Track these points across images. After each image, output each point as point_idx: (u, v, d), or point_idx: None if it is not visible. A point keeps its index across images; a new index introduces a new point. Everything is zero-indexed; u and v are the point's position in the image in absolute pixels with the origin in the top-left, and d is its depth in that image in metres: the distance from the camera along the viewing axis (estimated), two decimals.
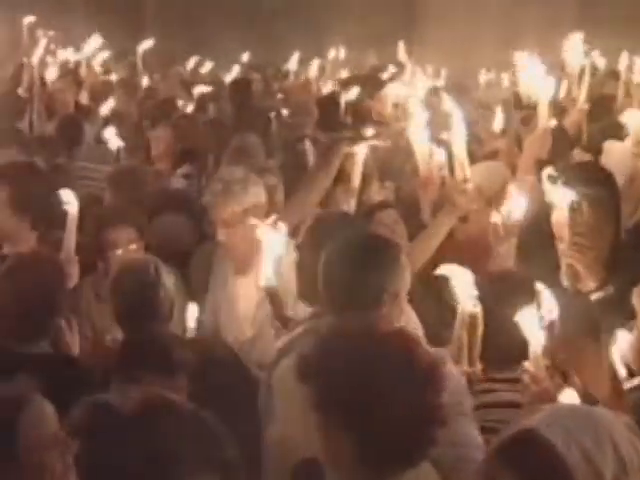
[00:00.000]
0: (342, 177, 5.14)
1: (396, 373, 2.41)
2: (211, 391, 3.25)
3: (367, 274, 3.14)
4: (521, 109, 7.10)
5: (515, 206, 4.28)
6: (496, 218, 4.35)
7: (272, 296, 3.89)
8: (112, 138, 6.14)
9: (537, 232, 4.18)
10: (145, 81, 9.90)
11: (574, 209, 3.72)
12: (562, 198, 3.74)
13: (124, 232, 4.62)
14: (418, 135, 5.19)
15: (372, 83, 9.11)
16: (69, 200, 4.11)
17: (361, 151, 5.09)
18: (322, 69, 10.96)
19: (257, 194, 4.57)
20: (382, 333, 2.51)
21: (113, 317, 4.04)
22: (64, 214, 4.27)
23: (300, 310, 3.83)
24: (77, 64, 10.21)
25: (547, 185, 3.79)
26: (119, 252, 4.57)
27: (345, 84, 9.73)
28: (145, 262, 4.10)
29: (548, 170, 3.94)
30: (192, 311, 3.97)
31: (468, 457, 2.90)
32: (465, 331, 3.45)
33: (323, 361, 2.45)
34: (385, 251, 3.23)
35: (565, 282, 3.79)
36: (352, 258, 3.18)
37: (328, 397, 2.43)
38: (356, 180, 5.14)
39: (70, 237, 4.10)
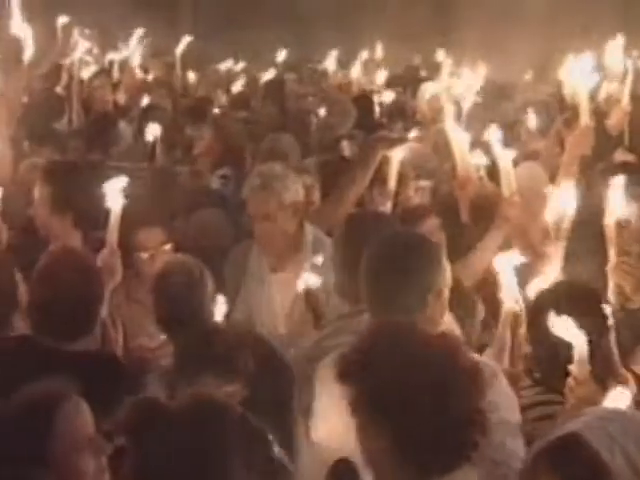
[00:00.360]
0: (379, 178, 5.11)
1: (439, 375, 2.36)
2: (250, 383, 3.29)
3: (412, 275, 3.09)
4: (564, 111, 7.00)
5: (565, 206, 4.20)
6: (548, 218, 4.30)
7: (309, 297, 3.87)
8: (150, 132, 6.11)
9: (586, 234, 4.12)
10: (182, 80, 9.90)
11: (621, 225, 3.67)
12: (616, 201, 3.68)
13: (153, 234, 4.62)
14: (457, 135, 5.14)
15: (413, 82, 9.05)
16: (113, 197, 4.08)
17: (397, 154, 5.04)
18: (360, 68, 10.92)
19: (296, 191, 4.55)
20: (425, 335, 2.46)
21: (155, 317, 4.01)
22: (108, 212, 4.22)
23: (335, 307, 3.81)
24: (111, 63, 10.21)
25: (598, 186, 3.72)
26: (147, 254, 4.57)
27: (387, 84, 9.69)
28: (189, 262, 4.07)
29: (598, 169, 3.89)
30: (220, 306, 3.95)
31: (512, 477, 2.82)
32: (508, 331, 3.38)
33: (365, 361, 2.40)
34: (428, 250, 3.19)
35: (613, 300, 3.74)
36: (396, 259, 3.14)
37: (368, 397, 2.38)
38: (392, 182, 5.08)
39: (113, 233, 4.07)
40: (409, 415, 2.33)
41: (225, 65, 11.37)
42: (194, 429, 2.15)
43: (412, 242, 3.26)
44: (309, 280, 3.86)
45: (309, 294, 3.87)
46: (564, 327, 3.00)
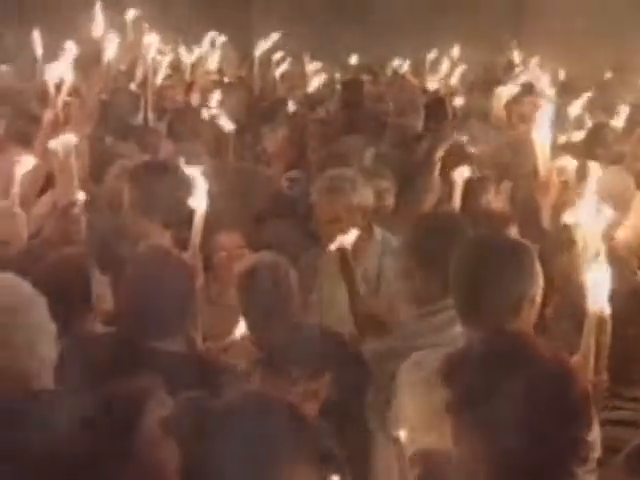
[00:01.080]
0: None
1: (551, 396, 2.27)
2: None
3: (507, 280, 3.04)
4: None
5: None
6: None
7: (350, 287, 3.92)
8: (225, 123, 6.11)
9: None
10: (259, 80, 9.90)
11: None
12: None
13: (232, 237, 4.69)
14: (540, 137, 5.06)
15: (490, 84, 8.95)
16: (198, 197, 4.07)
17: (459, 176, 5.04)
18: (434, 69, 10.87)
19: (364, 195, 4.54)
20: (543, 352, 2.37)
21: (242, 312, 4.03)
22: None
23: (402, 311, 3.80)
24: (183, 65, 10.24)
25: None
26: (225, 255, 4.62)
27: (464, 86, 9.63)
28: (275, 259, 4.11)
29: None
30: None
31: None
32: (593, 338, 3.28)
33: (474, 366, 2.33)
34: (522, 255, 3.12)
35: None
36: (490, 264, 3.08)
37: (470, 403, 2.30)
38: (456, 201, 5.06)
39: (197, 234, 4.07)
40: (510, 431, 2.26)
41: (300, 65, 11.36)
42: (242, 428, 2.11)
43: (507, 246, 3.21)
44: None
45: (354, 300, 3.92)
46: None
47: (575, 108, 7.13)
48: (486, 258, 3.09)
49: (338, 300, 4.38)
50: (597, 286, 3.22)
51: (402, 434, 2.81)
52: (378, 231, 4.60)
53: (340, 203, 4.45)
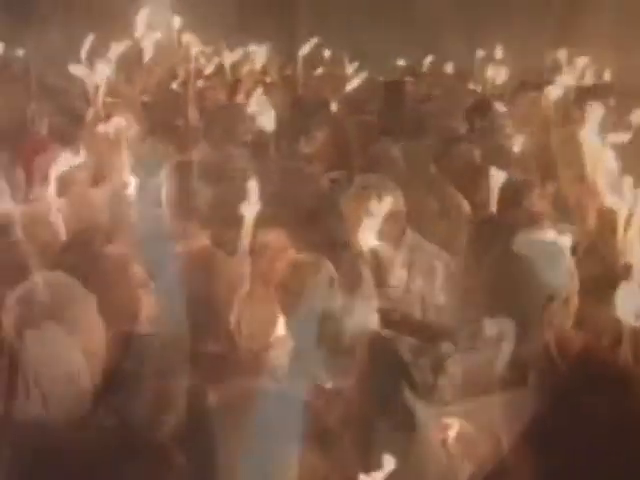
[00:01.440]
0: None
1: (609, 402, 2.21)
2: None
3: (532, 281, 3.04)
4: None
5: None
6: None
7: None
8: (267, 123, 6.11)
9: None
10: (302, 79, 9.90)
11: None
12: None
13: (277, 237, 4.65)
14: (588, 138, 5.01)
15: (538, 85, 8.88)
16: (249, 204, 4.07)
17: (497, 177, 5.03)
18: (478, 69, 10.80)
19: (391, 201, 4.53)
20: (604, 356, 2.32)
21: (284, 313, 4.02)
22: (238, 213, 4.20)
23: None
24: (225, 66, 10.26)
25: None
26: (269, 255, 4.55)
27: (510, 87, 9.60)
28: (319, 260, 4.09)
29: None
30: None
31: None
32: (630, 348, 3.24)
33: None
34: (552, 256, 3.14)
35: None
36: (515, 264, 3.11)
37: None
38: (493, 203, 5.00)
39: (245, 240, 4.06)
40: (566, 446, 2.20)
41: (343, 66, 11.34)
42: (228, 418, 2.16)
43: (536, 247, 3.20)
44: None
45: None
46: None
47: (637, 116, 7.05)
48: (512, 259, 3.11)
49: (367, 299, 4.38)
50: (629, 297, 3.18)
51: (451, 434, 2.80)
52: (410, 236, 4.66)
53: (363, 211, 4.47)
